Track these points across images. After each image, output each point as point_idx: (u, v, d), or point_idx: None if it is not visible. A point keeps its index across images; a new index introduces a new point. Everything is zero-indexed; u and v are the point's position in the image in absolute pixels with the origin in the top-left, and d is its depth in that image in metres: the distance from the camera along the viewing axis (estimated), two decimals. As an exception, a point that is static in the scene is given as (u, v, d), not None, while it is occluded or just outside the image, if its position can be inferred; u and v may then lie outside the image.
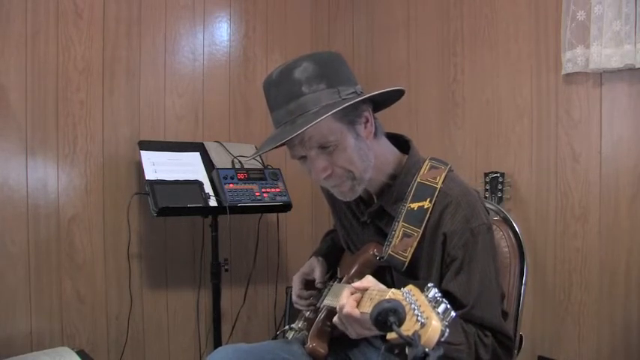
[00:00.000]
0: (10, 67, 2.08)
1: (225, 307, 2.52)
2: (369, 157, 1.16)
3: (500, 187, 2.11)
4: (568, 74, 2.02)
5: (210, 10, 2.59)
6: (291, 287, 1.53)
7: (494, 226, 1.37)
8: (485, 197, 2.11)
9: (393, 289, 0.86)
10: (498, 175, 2.12)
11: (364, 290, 1.00)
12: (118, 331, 2.31)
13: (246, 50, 2.69)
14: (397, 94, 1.21)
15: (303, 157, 1.15)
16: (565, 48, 1.98)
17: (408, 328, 0.75)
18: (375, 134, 1.19)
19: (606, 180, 1.96)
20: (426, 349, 0.71)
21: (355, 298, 0.99)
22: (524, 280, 1.34)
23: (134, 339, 2.35)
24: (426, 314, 0.75)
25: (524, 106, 2.17)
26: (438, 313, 0.76)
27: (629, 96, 1.90)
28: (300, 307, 1.40)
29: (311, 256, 1.46)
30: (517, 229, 1.40)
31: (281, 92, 1.12)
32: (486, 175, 2.15)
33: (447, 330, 0.74)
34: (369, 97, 1.14)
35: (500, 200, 2.10)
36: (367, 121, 1.17)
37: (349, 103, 1.09)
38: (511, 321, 1.30)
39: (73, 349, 2.03)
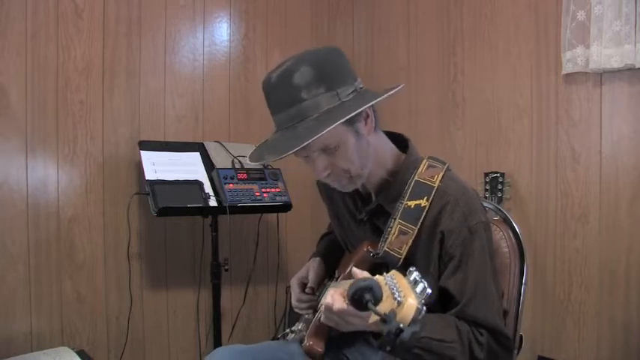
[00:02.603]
0: (10, 67, 2.08)
1: (225, 307, 2.52)
2: (368, 153, 1.18)
3: (500, 187, 2.11)
4: (568, 74, 2.02)
5: (210, 10, 2.59)
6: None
7: (493, 226, 1.37)
8: (485, 197, 2.11)
9: (377, 275, 0.87)
10: (498, 175, 2.12)
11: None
12: (118, 331, 2.31)
13: (246, 50, 2.69)
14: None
15: (306, 156, 1.18)
16: (565, 48, 1.98)
17: (385, 308, 0.78)
18: (375, 128, 1.21)
19: (606, 180, 1.96)
20: (401, 325, 0.74)
21: (341, 293, 1.00)
22: (524, 280, 1.34)
23: (134, 339, 2.34)
24: (404, 293, 0.78)
25: (524, 106, 2.17)
26: (416, 292, 0.78)
27: (629, 96, 1.90)
28: (300, 312, 1.40)
29: (310, 259, 1.46)
30: (517, 229, 1.39)
31: (281, 97, 1.13)
32: (486, 175, 2.15)
33: (424, 308, 0.77)
34: (371, 104, 1.15)
35: (500, 200, 2.09)
36: (368, 116, 1.18)
37: (352, 115, 1.09)
38: (511, 321, 1.30)
39: (73, 349, 2.03)
